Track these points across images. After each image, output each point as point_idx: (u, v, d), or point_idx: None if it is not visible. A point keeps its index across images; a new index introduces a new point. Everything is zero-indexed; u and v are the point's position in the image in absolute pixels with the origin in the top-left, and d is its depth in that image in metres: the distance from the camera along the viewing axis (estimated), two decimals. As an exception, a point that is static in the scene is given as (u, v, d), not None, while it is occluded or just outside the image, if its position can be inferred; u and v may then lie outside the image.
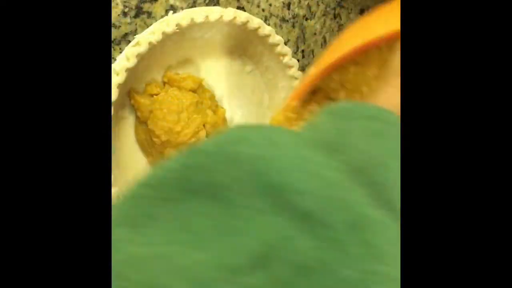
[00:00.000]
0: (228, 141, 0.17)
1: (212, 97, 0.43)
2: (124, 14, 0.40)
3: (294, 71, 0.44)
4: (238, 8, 0.44)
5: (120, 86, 0.37)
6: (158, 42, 0.38)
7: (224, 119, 0.44)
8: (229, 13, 0.40)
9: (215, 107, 0.43)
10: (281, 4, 0.46)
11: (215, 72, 0.44)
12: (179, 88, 0.41)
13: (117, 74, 0.37)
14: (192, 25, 0.39)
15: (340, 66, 0.32)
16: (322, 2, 0.48)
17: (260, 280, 0.14)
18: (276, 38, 0.43)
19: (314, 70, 0.33)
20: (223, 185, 0.16)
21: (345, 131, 0.20)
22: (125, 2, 0.40)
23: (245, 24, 0.41)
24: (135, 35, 0.39)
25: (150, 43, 0.38)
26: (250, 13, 0.43)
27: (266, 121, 0.47)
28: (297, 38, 0.48)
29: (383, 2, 0.52)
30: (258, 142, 0.17)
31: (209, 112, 0.42)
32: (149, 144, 0.42)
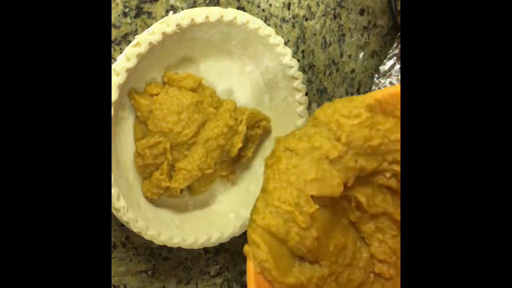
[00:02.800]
0: None
1: (213, 94, 0.43)
2: (124, 14, 0.40)
3: (294, 71, 0.44)
4: (238, 8, 0.44)
5: (120, 86, 0.37)
6: (158, 42, 0.38)
7: (235, 109, 0.44)
8: (230, 14, 0.40)
9: (217, 102, 0.43)
10: (281, 4, 0.46)
11: (215, 72, 0.44)
12: (179, 87, 0.41)
13: (117, 74, 0.37)
14: (193, 26, 0.39)
15: None
16: (322, 3, 0.48)
17: None
18: (276, 39, 0.43)
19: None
20: None
21: None
22: (125, 2, 0.40)
23: (245, 24, 0.41)
24: (135, 35, 0.39)
25: (150, 43, 0.38)
26: (250, 14, 0.43)
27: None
28: (297, 38, 0.48)
29: (383, 2, 0.53)
30: None
31: (211, 109, 0.42)
32: (149, 144, 0.42)
